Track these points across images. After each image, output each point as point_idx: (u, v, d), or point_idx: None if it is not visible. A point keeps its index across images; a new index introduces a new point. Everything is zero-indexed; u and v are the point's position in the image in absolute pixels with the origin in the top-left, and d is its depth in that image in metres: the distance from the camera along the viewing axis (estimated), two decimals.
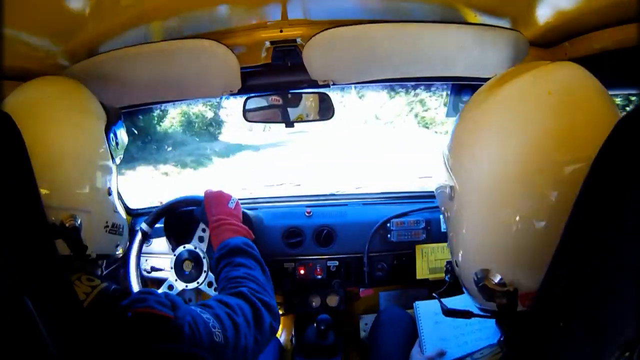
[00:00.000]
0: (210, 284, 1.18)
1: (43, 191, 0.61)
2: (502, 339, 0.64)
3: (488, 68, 0.97)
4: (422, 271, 1.26)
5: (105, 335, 0.56)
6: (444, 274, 0.72)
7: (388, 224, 1.28)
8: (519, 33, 0.86)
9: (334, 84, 1.04)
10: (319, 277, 1.27)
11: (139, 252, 1.17)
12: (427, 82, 1.37)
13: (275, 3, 0.82)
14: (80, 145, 0.70)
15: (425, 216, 1.30)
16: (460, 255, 0.61)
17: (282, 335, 1.47)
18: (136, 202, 1.48)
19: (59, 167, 0.66)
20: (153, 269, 1.26)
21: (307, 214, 1.33)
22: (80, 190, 0.69)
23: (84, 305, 0.60)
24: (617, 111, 0.54)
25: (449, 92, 1.23)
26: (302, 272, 1.27)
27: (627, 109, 1.00)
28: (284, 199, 1.48)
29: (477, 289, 0.56)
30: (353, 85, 1.22)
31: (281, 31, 0.92)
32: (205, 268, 1.17)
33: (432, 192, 1.45)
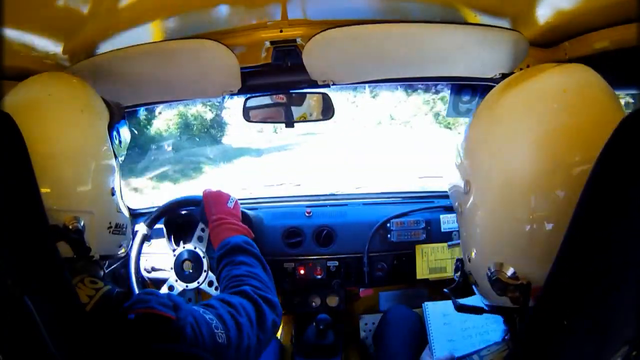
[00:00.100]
0: (210, 284, 1.18)
1: (45, 191, 0.61)
2: (507, 337, 0.64)
3: (488, 68, 0.97)
4: (422, 271, 1.26)
5: (107, 336, 0.56)
6: (446, 273, 0.72)
7: (388, 224, 1.28)
8: (519, 33, 0.86)
9: (334, 84, 1.03)
10: (319, 277, 1.27)
11: (139, 252, 1.17)
12: (427, 82, 1.37)
13: (275, 3, 0.82)
14: (83, 144, 0.69)
15: (425, 216, 1.30)
16: (473, 249, 0.62)
17: (282, 335, 1.47)
18: (136, 203, 1.48)
19: (61, 167, 0.65)
20: (153, 269, 1.26)
21: (307, 214, 1.33)
22: (83, 191, 0.68)
23: (87, 309, 0.59)
24: (625, 111, 0.55)
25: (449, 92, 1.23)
26: (302, 272, 1.27)
27: None
28: (284, 199, 1.48)
29: (489, 284, 0.57)
30: (366, 85, 1.22)
31: (281, 31, 0.92)
32: (205, 268, 1.17)
33: (432, 192, 1.46)
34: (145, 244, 1.20)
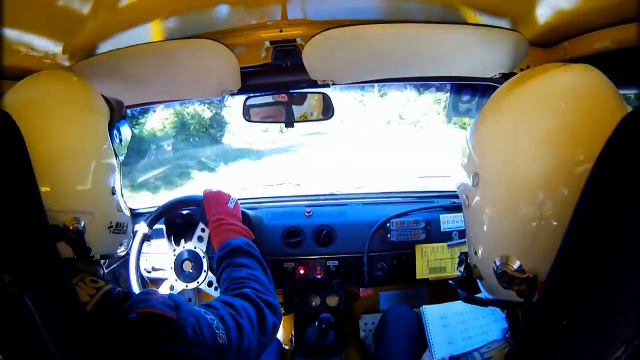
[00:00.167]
0: (210, 284, 1.18)
1: (45, 190, 0.60)
2: (507, 335, 0.64)
3: (488, 68, 0.97)
4: (422, 271, 1.26)
5: (108, 336, 0.56)
6: (446, 273, 0.72)
7: (388, 224, 1.28)
8: (519, 33, 0.86)
9: (334, 84, 1.03)
10: (319, 277, 1.27)
11: (139, 252, 1.17)
12: (427, 82, 1.37)
13: (275, 3, 0.82)
14: (83, 143, 0.68)
15: (425, 216, 1.30)
16: (480, 243, 0.62)
17: (282, 335, 1.47)
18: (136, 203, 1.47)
19: (61, 167, 0.65)
20: (154, 269, 1.26)
21: (307, 214, 1.33)
22: (83, 191, 0.67)
23: (88, 308, 0.59)
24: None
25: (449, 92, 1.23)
26: (302, 272, 1.27)
27: None
28: (284, 199, 1.48)
29: (495, 277, 0.58)
30: (376, 84, 1.22)
31: (281, 31, 0.92)
32: (205, 268, 1.17)
33: (432, 192, 1.46)
34: (145, 244, 1.20)
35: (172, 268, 1.19)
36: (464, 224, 0.69)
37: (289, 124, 1.11)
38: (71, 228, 0.64)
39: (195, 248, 1.19)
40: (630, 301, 0.41)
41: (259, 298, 0.77)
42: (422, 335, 1.01)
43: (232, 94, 1.05)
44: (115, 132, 0.75)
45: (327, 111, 1.11)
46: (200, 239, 1.20)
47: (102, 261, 0.75)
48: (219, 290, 1.07)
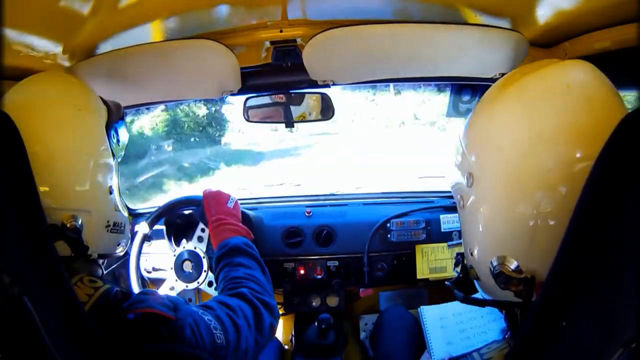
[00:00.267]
0: (210, 284, 1.18)
1: (43, 189, 0.61)
2: (507, 335, 0.64)
3: (488, 68, 0.97)
4: (422, 271, 1.26)
5: (106, 336, 0.56)
6: (446, 273, 0.72)
7: (388, 224, 1.28)
8: (519, 34, 0.86)
9: (333, 84, 1.03)
10: (319, 277, 1.27)
11: (139, 252, 1.17)
12: (427, 82, 1.37)
13: (275, 3, 0.82)
14: (80, 143, 0.69)
15: (425, 216, 1.30)
16: (475, 243, 0.61)
17: (281, 335, 1.47)
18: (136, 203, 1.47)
19: (59, 166, 0.65)
20: (154, 269, 1.26)
21: (307, 214, 1.33)
22: (81, 190, 0.68)
23: (86, 307, 0.59)
24: (626, 107, 0.55)
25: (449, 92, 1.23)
26: (302, 272, 1.27)
27: None
28: (284, 199, 1.48)
29: (492, 277, 0.57)
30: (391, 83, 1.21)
31: (281, 31, 0.92)
32: (205, 268, 1.17)
33: (432, 192, 1.46)
34: (145, 244, 1.20)
35: (172, 268, 1.19)
36: (459, 224, 0.68)
37: (288, 124, 1.11)
38: (68, 226, 0.64)
39: (195, 248, 1.19)
40: (630, 301, 0.41)
41: (255, 298, 0.77)
42: (420, 336, 1.00)
43: (232, 94, 1.05)
44: (113, 132, 0.76)
45: (327, 111, 1.11)
46: (200, 239, 1.20)
47: (100, 261, 0.75)
48: (217, 290, 1.08)
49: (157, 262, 1.26)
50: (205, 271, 1.17)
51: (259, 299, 0.77)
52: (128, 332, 0.58)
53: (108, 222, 0.73)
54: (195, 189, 4.27)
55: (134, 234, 1.17)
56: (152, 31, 0.89)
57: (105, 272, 0.80)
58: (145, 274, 1.26)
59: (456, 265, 0.70)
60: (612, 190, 0.43)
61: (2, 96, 0.68)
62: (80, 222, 0.66)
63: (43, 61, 0.85)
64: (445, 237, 1.27)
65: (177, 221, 1.27)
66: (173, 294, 1.17)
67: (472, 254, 0.63)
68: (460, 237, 1.26)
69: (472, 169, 0.61)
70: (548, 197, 0.52)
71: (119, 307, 0.60)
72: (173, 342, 0.59)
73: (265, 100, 1.10)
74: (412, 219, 1.29)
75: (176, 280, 1.18)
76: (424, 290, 1.41)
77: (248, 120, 1.12)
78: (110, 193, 0.74)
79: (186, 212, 1.24)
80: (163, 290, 1.18)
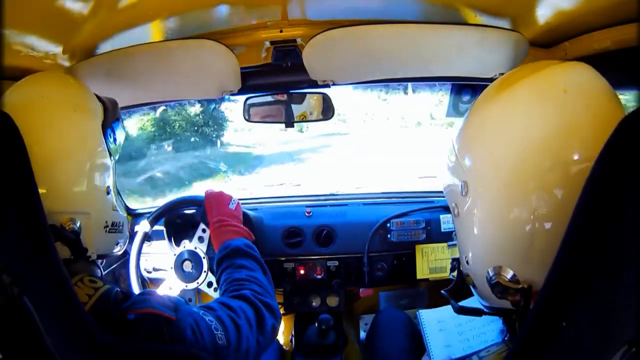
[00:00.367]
0: (210, 284, 1.18)
1: (41, 192, 0.61)
2: (506, 338, 0.64)
3: (488, 68, 0.97)
4: (422, 271, 1.26)
5: (107, 336, 0.56)
6: (446, 273, 0.71)
7: (388, 224, 1.28)
8: (519, 34, 0.86)
9: (334, 84, 1.03)
10: (319, 277, 1.27)
11: (140, 252, 1.17)
12: (427, 82, 1.37)
13: (275, 3, 0.82)
14: (76, 144, 0.68)
15: (425, 216, 1.30)
16: (470, 252, 0.61)
17: (281, 335, 1.46)
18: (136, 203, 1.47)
19: (55, 168, 0.65)
20: (154, 269, 1.26)
21: (307, 214, 1.33)
22: (79, 192, 0.68)
23: (86, 308, 0.59)
24: (624, 109, 0.55)
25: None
26: (302, 272, 1.27)
27: None
28: (284, 199, 1.48)
29: (489, 286, 0.56)
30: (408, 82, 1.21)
31: (281, 31, 0.92)
32: (205, 268, 1.17)
33: (432, 192, 1.46)
34: (146, 244, 1.20)
35: (172, 268, 1.19)
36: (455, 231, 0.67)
37: (289, 123, 1.11)
38: (67, 228, 0.64)
39: (195, 248, 1.19)
40: (630, 301, 0.41)
41: (257, 300, 0.77)
42: (418, 338, 1.00)
43: (232, 94, 1.05)
44: (109, 132, 0.75)
45: (327, 111, 1.11)
46: (201, 239, 1.20)
47: (99, 261, 0.75)
48: (218, 290, 1.08)
49: (157, 262, 1.26)
50: (205, 271, 1.17)
51: (261, 301, 0.77)
52: (128, 333, 0.58)
53: (106, 222, 0.73)
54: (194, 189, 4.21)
55: (135, 234, 1.17)
56: (152, 31, 0.89)
57: (105, 272, 0.80)
58: (145, 274, 1.26)
59: (452, 270, 0.69)
60: (612, 191, 0.43)
61: (1, 96, 0.68)
62: (78, 225, 0.66)
63: (43, 61, 0.85)
64: (445, 237, 1.27)
65: (177, 221, 1.27)
66: (172, 293, 1.17)
67: (468, 262, 0.62)
68: None
69: (466, 177, 0.60)
70: (544, 201, 0.52)
71: (119, 307, 0.60)
72: (173, 343, 0.59)
73: (266, 99, 1.09)
74: (412, 219, 1.29)
75: (176, 280, 1.18)
76: (424, 290, 1.41)
77: (248, 120, 1.12)
78: (108, 193, 0.74)
79: (187, 212, 1.24)
80: (162, 290, 1.18)
